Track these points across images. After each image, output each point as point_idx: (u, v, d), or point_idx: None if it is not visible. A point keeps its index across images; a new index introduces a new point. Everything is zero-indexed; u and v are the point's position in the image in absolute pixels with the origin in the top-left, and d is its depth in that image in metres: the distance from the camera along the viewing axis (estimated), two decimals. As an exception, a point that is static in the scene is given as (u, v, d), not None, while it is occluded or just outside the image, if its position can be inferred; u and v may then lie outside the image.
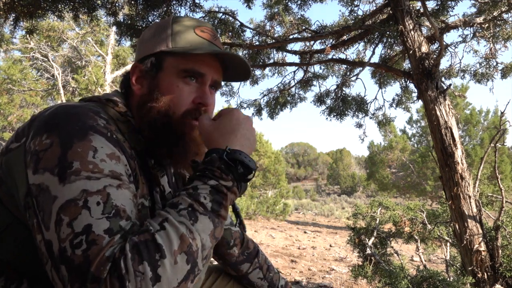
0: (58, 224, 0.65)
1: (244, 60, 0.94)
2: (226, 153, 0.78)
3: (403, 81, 4.67)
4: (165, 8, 3.45)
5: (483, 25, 3.71)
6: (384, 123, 5.02)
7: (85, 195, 0.67)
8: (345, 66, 4.85)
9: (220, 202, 0.73)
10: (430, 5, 4.14)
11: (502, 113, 2.95)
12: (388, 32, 3.46)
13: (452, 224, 2.99)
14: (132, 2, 3.46)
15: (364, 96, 4.67)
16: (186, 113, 0.90)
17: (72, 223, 0.64)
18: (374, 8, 4.02)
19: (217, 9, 3.82)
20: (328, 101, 4.79)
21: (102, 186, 0.69)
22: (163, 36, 0.91)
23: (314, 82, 4.84)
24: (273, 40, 3.96)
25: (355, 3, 4.13)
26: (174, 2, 3.46)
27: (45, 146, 0.71)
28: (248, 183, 0.80)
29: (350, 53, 10.54)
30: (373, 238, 3.66)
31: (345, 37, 4.15)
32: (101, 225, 0.65)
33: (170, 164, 0.97)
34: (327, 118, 4.72)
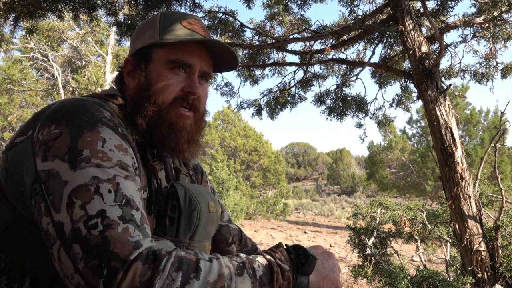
0: (70, 206, 0.66)
1: (229, 47, 0.97)
2: (296, 244, 0.81)
3: (403, 81, 4.67)
4: (165, 8, 3.45)
5: (483, 25, 3.71)
6: (384, 123, 5.02)
7: (96, 181, 0.69)
8: (345, 66, 4.85)
9: (270, 278, 0.73)
10: (430, 5, 4.14)
11: (502, 113, 2.95)
12: (388, 32, 3.47)
13: (452, 224, 2.99)
14: (132, 2, 3.46)
15: (364, 96, 4.68)
16: (174, 100, 0.93)
17: (85, 206, 0.66)
18: (374, 8, 4.02)
19: (217, 9, 3.83)
20: (328, 101, 4.79)
21: (112, 175, 0.71)
22: (152, 30, 0.95)
23: (314, 82, 4.84)
24: (273, 40, 3.96)
25: (355, 3, 4.13)
26: (174, 2, 3.46)
27: (54, 135, 0.73)
28: (309, 285, 0.78)
29: (350, 53, 10.53)
30: (373, 238, 3.66)
31: (345, 37, 4.15)
32: (115, 212, 0.66)
33: (168, 153, 0.99)
34: (327, 118, 4.72)
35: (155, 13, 1.03)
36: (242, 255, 0.76)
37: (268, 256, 0.76)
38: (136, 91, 0.94)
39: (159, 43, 0.92)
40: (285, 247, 0.81)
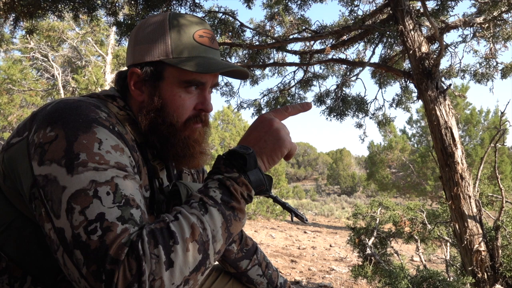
0: (70, 212, 0.67)
1: (244, 70, 0.97)
2: (229, 150, 0.82)
3: (403, 81, 4.67)
4: (165, 8, 3.45)
5: (483, 25, 3.71)
6: (384, 123, 5.02)
7: (94, 185, 0.69)
8: (345, 66, 4.85)
9: (229, 193, 0.75)
10: (430, 5, 4.14)
11: (502, 113, 2.95)
12: (388, 32, 3.47)
13: (452, 224, 2.99)
14: (132, 2, 3.46)
15: (364, 96, 4.67)
16: (189, 119, 0.93)
17: (84, 211, 0.66)
18: (374, 8, 4.02)
19: (217, 9, 3.83)
20: (328, 101, 4.79)
21: (109, 177, 0.71)
22: (162, 43, 0.90)
23: (314, 82, 4.84)
24: (273, 40, 3.96)
25: (355, 3, 4.13)
26: (174, 2, 3.46)
27: (50, 138, 0.73)
28: (265, 175, 0.82)
29: (350, 53, 10.53)
30: (373, 238, 3.66)
31: (345, 37, 4.15)
32: (114, 213, 0.67)
33: (183, 167, 1.01)
34: (327, 118, 4.72)
35: (160, 17, 0.94)
36: (195, 193, 0.76)
37: (216, 176, 0.78)
38: (147, 107, 0.91)
39: (175, 65, 0.88)
40: (223, 157, 0.81)
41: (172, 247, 0.65)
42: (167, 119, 0.91)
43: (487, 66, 4.28)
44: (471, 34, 3.95)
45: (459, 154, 2.88)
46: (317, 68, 5.04)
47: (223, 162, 0.80)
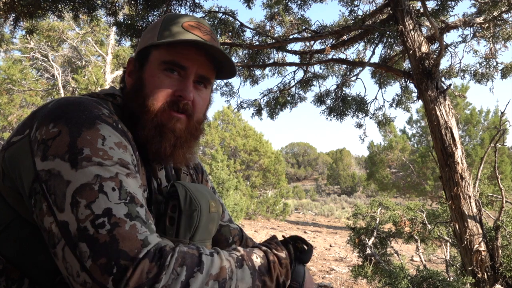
0: (75, 206, 0.66)
1: (224, 53, 0.92)
2: (293, 236, 0.85)
3: (403, 81, 4.67)
4: (165, 8, 3.45)
5: (483, 25, 3.71)
6: (384, 123, 5.02)
7: (99, 180, 0.68)
8: (345, 66, 4.85)
9: (268, 268, 0.76)
10: (430, 5, 4.15)
11: (502, 113, 2.95)
12: (388, 32, 3.47)
13: (452, 224, 2.99)
14: (132, 2, 3.46)
15: (364, 96, 4.68)
16: (165, 104, 0.89)
17: (90, 205, 0.66)
18: (374, 8, 4.02)
19: (217, 9, 3.83)
20: (328, 101, 4.79)
21: (114, 173, 0.71)
22: (153, 31, 0.95)
23: (314, 82, 4.84)
24: (273, 40, 3.96)
25: (355, 3, 4.13)
26: (174, 2, 3.46)
27: (53, 134, 0.73)
28: (306, 274, 0.83)
29: (350, 53, 10.54)
30: (373, 238, 3.66)
31: (345, 37, 4.15)
32: (121, 210, 0.67)
33: (151, 157, 0.95)
34: (327, 118, 4.72)
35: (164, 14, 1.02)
36: (240, 248, 0.77)
37: (264, 248, 0.79)
38: (131, 91, 0.93)
39: (154, 44, 0.90)
40: (279, 239, 0.84)
41: (195, 273, 0.66)
42: (141, 99, 0.88)
43: (487, 66, 4.29)
44: (471, 34, 3.96)
45: (459, 154, 2.88)
46: (317, 68, 5.05)
47: (277, 240, 0.83)
